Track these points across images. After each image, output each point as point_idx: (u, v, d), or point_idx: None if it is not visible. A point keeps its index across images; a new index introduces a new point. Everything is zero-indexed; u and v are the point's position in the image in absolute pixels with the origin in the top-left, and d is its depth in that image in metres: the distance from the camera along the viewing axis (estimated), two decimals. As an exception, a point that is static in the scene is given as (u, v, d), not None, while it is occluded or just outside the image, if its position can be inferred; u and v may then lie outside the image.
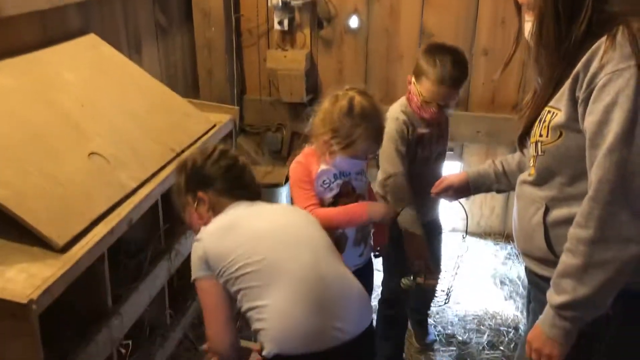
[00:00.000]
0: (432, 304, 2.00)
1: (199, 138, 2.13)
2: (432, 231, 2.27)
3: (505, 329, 2.70)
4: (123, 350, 1.69)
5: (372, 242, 2.03)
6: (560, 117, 1.25)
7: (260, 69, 3.41)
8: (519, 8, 1.37)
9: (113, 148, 1.79)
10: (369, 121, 1.81)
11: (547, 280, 1.30)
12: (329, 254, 1.55)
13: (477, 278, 3.05)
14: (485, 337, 2.65)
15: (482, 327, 2.72)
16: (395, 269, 2.43)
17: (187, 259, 2.12)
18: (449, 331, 2.69)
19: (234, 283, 1.45)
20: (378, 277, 2.31)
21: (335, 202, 1.85)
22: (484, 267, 3.17)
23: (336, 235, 1.88)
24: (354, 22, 3.19)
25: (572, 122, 1.23)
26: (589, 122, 1.16)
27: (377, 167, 2.24)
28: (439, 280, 2.00)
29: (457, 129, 3.16)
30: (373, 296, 2.21)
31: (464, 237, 1.98)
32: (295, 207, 1.75)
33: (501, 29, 3.05)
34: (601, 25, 1.18)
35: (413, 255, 1.99)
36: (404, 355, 2.45)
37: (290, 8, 3.15)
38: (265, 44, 3.36)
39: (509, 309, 2.86)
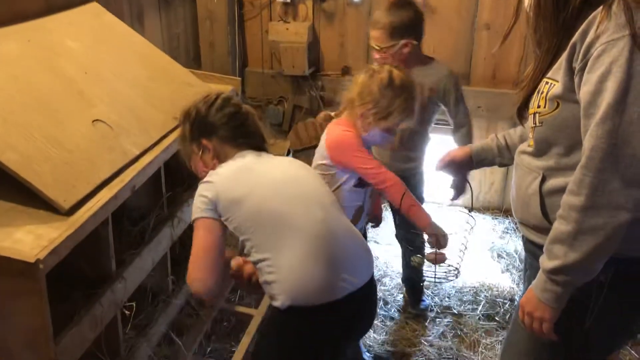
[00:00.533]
0: (441, 280, 2.04)
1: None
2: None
3: (502, 300, 2.75)
4: (127, 312, 1.73)
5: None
6: (557, 88, 1.27)
7: (263, 42, 3.41)
8: None
9: (116, 115, 1.81)
10: (407, 93, 1.92)
11: (542, 248, 1.33)
12: (335, 209, 1.61)
13: (475, 251, 3.10)
14: (481, 308, 2.70)
15: (478, 298, 2.77)
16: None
17: (190, 227, 2.16)
18: (446, 303, 2.74)
19: (244, 232, 1.47)
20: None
21: None
22: (482, 241, 3.21)
23: (359, 205, 2.01)
24: (356, -6, 3.19)
25: (569, 93, 1.25)
26: (584, 92, 1.18)
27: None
28: (448, 256, 2.03)
29: (458, 103, 3.18)
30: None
31: (470, 212, 2.00)
32: (297, 161, 1.79)
33: (503, 3, 3.05)
34: None
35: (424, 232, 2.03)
36: None
37: (293, -20, 3.15)
38: (268, 16, 3.36)
39: (506, 281, 2.90)
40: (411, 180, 2.31)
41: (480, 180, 3.49)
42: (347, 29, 3.28)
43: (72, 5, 2.08)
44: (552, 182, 1.34)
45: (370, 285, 1.62)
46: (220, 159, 1.62)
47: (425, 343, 2.49)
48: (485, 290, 2.83)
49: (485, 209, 3.53)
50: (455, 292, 2.81)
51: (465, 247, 1.94)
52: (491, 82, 3.19)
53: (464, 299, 2.77)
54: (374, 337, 2.52)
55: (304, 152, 3.18)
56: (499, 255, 3.11)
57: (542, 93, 1.31)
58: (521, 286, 2.82)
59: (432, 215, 2.00)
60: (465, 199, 2.10)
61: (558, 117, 1.29)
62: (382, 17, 2.32)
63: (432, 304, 2.74)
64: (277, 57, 3.36)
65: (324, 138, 2.02)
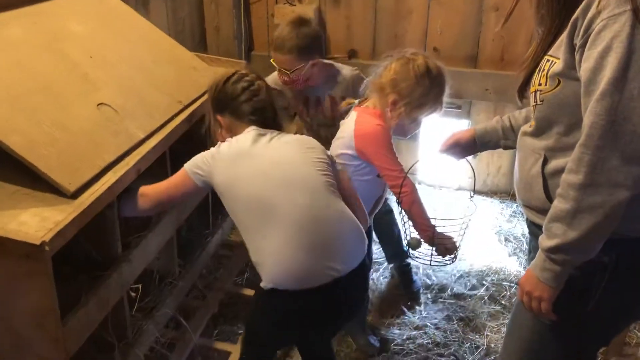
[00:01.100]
0: (437, 263, 2.04)
1: (207, 91, 2.14)
2: None
3: (508, 284, 2.75)
4: (133, 294, 1.75)
5: None
6: (558, 65, 1.26)
7: (269, 25, 3.39)
8: None
9: (121, 99, 1.81)
10: (443, 84, 1.92)
11: None
12: (326, 194, 1.59)
13: (481, 235, 3.09)
14: (486, 291, 2.70)
15: (484, 281, 2.77)
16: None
17: (197, 209, 2.17)
18: (451, 285, 2.75)
19: (233, 214, 1.58)
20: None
21: None
22: (489, 225, 3.21)
23: (379, 196, 2.05)
24: (362, -24, 3.15)
25: (570, 70, 1.24)
26: (584, 69, 1.17)
27: None
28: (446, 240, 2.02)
29: (465, 86, 3.15)
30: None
31: (471, 197, 1.99)
32: (302, 141, 1.72)
33: (512, -16, 3.01)
34: None
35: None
36: None
37: (298, -38, 3.12)
38: (274, -1, 3.33)
39: (512, 265, 2.90)
40: None
41: (487, 163, 3.47)
42: (353, 11, 3.25)
43: (76, -12, 2.07)
44: (555, 163, 1.34)
45: (359, 272, 1.61)
46: (233, 133, 1.69)
47: (431, 326, 2.50)
48: (491, 273, 2.83)
49: (492, 193, 3.52)
50: (461, 274, 2.81)
51: (464, 233, 1.94)
52: (499, 64, 3.16)
53: (470, 282, 2.77)
54: (381, 320, 2.53)
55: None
56: (506, 239, 3.11)
57: (543, 71, 1.30)
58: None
59: (437, 200, 1.99)
60: (471, 184, 2.10)
61: (559, 94, 1.28)
62: (286, 40, 2.29)
63: (435, 285, 2.74)
64: (283, 41, 3.33)
65: (350, 126, 1.98)
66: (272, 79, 2.42)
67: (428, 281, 2.77)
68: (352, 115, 2.02)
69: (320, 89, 2.46)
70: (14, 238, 1.29)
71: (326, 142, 1.88)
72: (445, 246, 1.91)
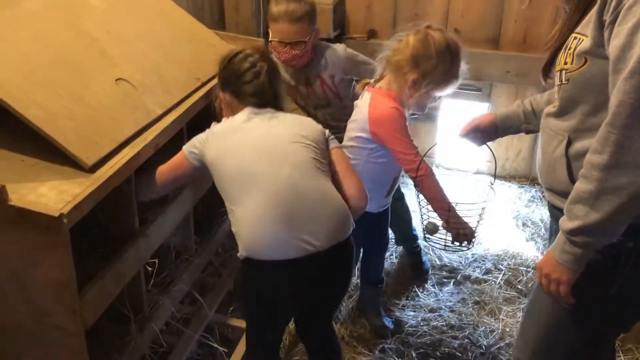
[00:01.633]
0: (454, 249, 2.02)
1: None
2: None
3: (524, 269, 2.73)
4: (150, 269, 1.76)
5: None
6: (586, 43, 1.22)
7: (288, 4, 3.35)
8: None
9: (139, 74, 1.81)
10: (461, 58, 1.88)
11: None
12: (310, 170, 1.58)
13: (499, 219, 3.07)
14: (503, 276, 2.68)
15: (500, 266, 2.75)
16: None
17: (212, 187, 2.18)
18: (467, 269, 2.73)
19: (220, 187, 1.63)
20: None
21: None
22: (507, 209, 3.18)
23: (395, 176, 2.05)
24: (384, -46, 3.10)
25: (598, 48, 1.20)
26: (613, 46, 1.14)
27: None
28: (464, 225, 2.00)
29: (486, 68, 3.11)
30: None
31: (491, 184, 1.96)
32: (295, 119, 1.74)
33: (537, -38, 2.94)
34: None
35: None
36: None
37: (319, -61, 3.07)
38: (293, -23, 3.29)
39: (530, 250, 2.88)
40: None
41: (507, 147, 3.43)
42: (373, -10, 3.21)
43: (95, -37, 2.06)
44: (579, 145, 1.31)
45: (341, 251, 1.60)
46: (232, 113, 1.71)
47: (446, 308, 2.49)
48: (508, 258, 2.81)
49: (511, 177, 3.48)
50: (478, 259, 2.80)
51: (482, 218, 1.91)
52: (521, 46, 3.10)
53: (486, 266, 2.75)
54: (395, 302, 2.53)
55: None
56: (523, 224, 3.08)
57: (569, 49, 1.27)
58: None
59: (455, 184, 1.97)
60: (490, 168, 2.07)
61: (585, 73, 1.24)
62: (297, 8, 2.19)
63: (450, 268, 2.72)
64: (302, 20, 3.30)
65: (364, 109, 1.95)
66: None
67: (440, 263, 2.76)
68: (366, 96, 1.97)
69: (311, 69, 2.38)
70: (33, 209, 1.30)
71: (324, 124, 1.84)
72: (462, 232, 1.88)
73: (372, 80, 2.05)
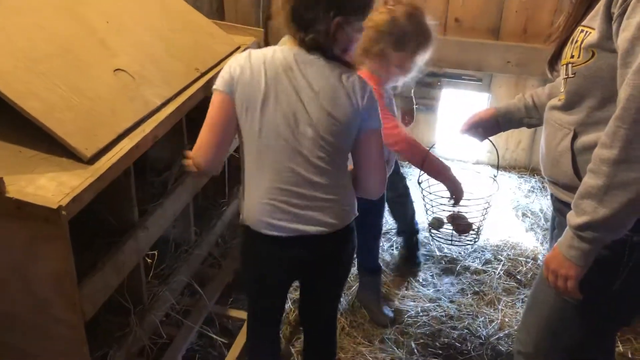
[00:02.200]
0: (459, 243, 2.02)
1: (224, 59, 2.12)
2: None
3: (524, 259, 2.73)
4: (149, 261, 1.76)
5: None
6: (593, 36, 1.21)
7: (287, -7, 3.33)
8: None
9: (138, 65, 1.80)
10: (426, 27, 1.90)
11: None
12: (316, 159, 1.48)
13: (499, 210, 3.07)
14: (502, 266, 2.68)
15: (500, 256, 2.75)
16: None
17: (212, 179, 2.17)
18: (467, 259, 2.73)
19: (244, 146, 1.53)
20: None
21: None
22: (506, 200, 3.18)
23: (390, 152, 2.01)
24: (384, -57, 3.07)
25: (606, 41, 1.19)
26: (622, 39, 1.12)
27: None
28: (467, 220, 2.00)
29: (486, 58, 3.10)
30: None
31: (494, 177, 1.95)
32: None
33: (539, -49, 2.92)
34: None
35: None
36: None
37: None
38: (293, -33, 3.27)
39: (529, 240, 2.88)
40: None
41: (507, 138, 3.42)
42: (374, -21, 3.18)
43: (93, -48, 2.04)
44: (585, 139, 1.29)
45: (333, 242, 1.57)
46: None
47: (445, 299, 2.50)
48: (507, 248, 2.81)
49: (511, 168, 3.48)
50: (478, 249, 2.80)
51: (486, 212, 1.91)
52: (522, 37, 3.09)
53: (486, 257, 2.75)
54: (395, 292, 2.54)
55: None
56: (523, 214, 3.08)
57: (576, 42, 1.25)
58: (545, 245, 2.80)
59: (455, 175, 1.97)
60: (490, 158, 2.07)
61: (592, 67, 1.23)
62: None
63: (450, 259, 2.73)
64: (302, 9, 3.29)
65: None
66: None
67: (440, 254, 2.77)
68: None
69: None
70: (31, 202, 1.30)
71: None
72: (460, 227, 1.89)
73: None
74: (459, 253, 2.77)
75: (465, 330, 2.34)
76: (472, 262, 2.72)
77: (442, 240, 2.03)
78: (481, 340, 2.30)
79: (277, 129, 1.45)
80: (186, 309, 2.09)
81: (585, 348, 1.46)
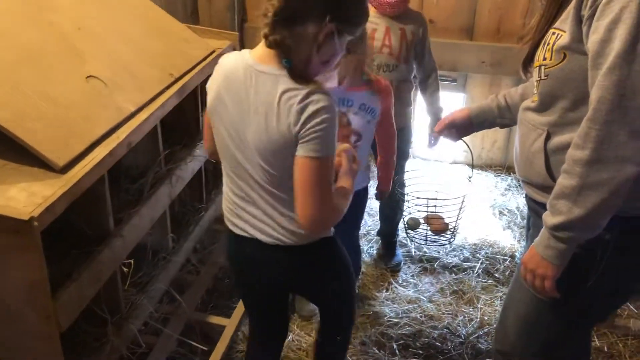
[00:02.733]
0: (434, 243, 2.03)
1: (198, 63, 2.11)
2: (404, 136, 2.34)
3: (502, 257, 2.76)
4: (126, 269, 1.74)
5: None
6: (564, 38, 1.22)
7: (262, -4, 3.32)
8: None
9: (110, 71, 1.78)
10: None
11: (546, 206, 1.31)
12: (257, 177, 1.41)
13: (476, 208, 3.09)
14: (480, 264, 2.71)
15: (478, 255, 2.77)
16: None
17: (189, 185, 2.16)
18: (445, 259, 2.75)
19: None
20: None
21: None
22: (483, 198, 3.20)
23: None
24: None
25: (577, 43, 1.20)
26: (592, 41, 1.14)
27: None
28: (443, 220, 2.02)
29: (461, 58, 3.12)
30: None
31: (469, 178, 1.96)
32: None
33: (510, -47, 2.95)
34: None
35: None
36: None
37: None
38: (267, -30, 3.26)
39: (507, 238, 2.91)
40: (400, 136, 2.25)
41: (482, 138, 3.45)
42: (348, -18, 3.19)
43: (62, -43, 2.01)
44: (558, 139, 1.31)
45: (277, 252, 1.47)
46: None
47: (425, 299, 2.51)
48: (485, 247, 2.83)
49: (487, 166, 3.51)
50: (456, 248, 2.82)
51: (461, 211, 1.93)
52: (495, 36, 3.12)
53: (464, 255, 2.77)
54: (375, 294, 2.54)
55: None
56: (500, 213, 3.11)
57: (548, 44, 1.27)
58: (522, 243, 2.83)
59: (432, 174, 1.98)
60: (467, 157, 2.09)
61: (564, 69, 1.25)
62: None
63: (429, 259, 2.74)
64: (277, 12, 3.28)
65: None
66: None
67: (419, 254, 2.78)
68: None
69: None
70: (2, 214, 1.27)
71: None
72: (436, 227, 1.89)
73: None
74: (438, 252, 2.78)
75: (446, 330, 2.35)
76: (451, 261, 2.73)
77: (418, 240, 2.04)
78: (461, 339, 2.31)
79: (224, 140, 1.40)
80: (165, 316, 2.07)
81: (562, 344, 1.48)
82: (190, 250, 2.26)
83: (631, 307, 2.43)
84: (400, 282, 2.62)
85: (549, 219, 1.25)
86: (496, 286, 2.59)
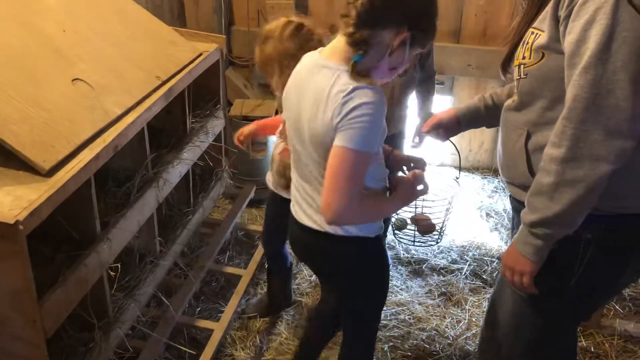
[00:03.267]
0: (421, 243, 2.03)
1: (185, 66, 2.10)
2: (397, 142, 2.32)
3: (489, 259, 2.77)
4: (112, 273, 1.72)
5: None
6: (542, 38, 1.24)
7: (249, -1, 3.33)
8: None
9: (97, 74, 1.76)
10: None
11: None
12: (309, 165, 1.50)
13: (463, 211, 3.11)
14: (468, 266, 2.72)
15: (465, 257, 2.79)
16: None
17: (175, 187, 2.14)
18: (433, 261, 2.76)
19: None
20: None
21: None
22: (471, 200, 3.22)
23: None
24: (344, -51, 3.09)
25: (554, 43, 1.22)
26: (568, 41, 1.16)
27: None
28: (430, 220, 2.01)
29: (448, 61, 3.14)
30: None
31: (457, 179, 1.97)
32: None
33: (496, -43, 2.98)
34: None
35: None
36: None
37: None
38: (254, -27, 3.26)
39: (494, 240, 2.92)
40: (396, 140, 2.25)
41: (470, 140, 3.47)
42: (335, -15, 3.20)
43: (48, -41, 2.00)
44: (537, 139, 1.33)
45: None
46: None
47: (413, 301, 2.51)
48: (473, 249, 2.85)
49: (474, 169, 3.53)
50: (443, 250, 2.83)
51: (449, 212, 1.93)
52: (482, 40, 3.14)
53: (452, 257, 2.79)
54: (363, 296, 2.54)
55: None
56: (487, 214, 3.13)
57: (527, 44, 1.29)
58: (509, 244, 2.85)
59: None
60: (455, 160, 2.09)
61: (543, 67, 1.26)
62: None
63: (417, 261, 2.75)
64: (264, 15, 3.28)
65: None
66: None
67: (407, 255, 2.79)
68: None
69: None
70: (-14, 217, 1.26)
71: None
72: (423, 228, 1.89)
73: None
74: (426, 254, 2.79)
75: (434, 332, 2.36)
76: (439, 263, 2.74)
77: (405, 241, 2.04)
78: (449, 341, 2.32)
79: (289, 132, 1.49)
80: (153, 321, 2.06)
81: (547, 344, 1.49)
82: (178, 253, 2.24)
83: (617, 307, 2.46)
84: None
85: (526, 215, 1.27)
86: (484, 288, 2.60)
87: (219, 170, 2.54)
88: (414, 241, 1.94)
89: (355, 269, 1.59)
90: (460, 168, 2.05)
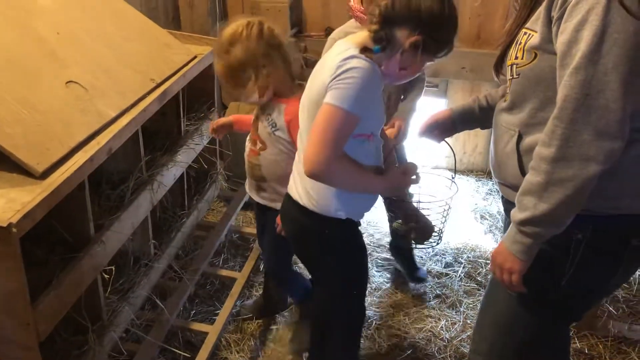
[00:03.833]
0: (421, 245, 2.03)
1: (180, 69, 2.10)
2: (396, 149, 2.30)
3: (484, 261, 2.78)
4: (107, 276, 1.72)
5: None
6: (535, 38, 1.25)
7: (243, 2, 3.33)
8: None
9: (91, 76, 1.76)
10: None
11: None
12: None
13: (458, 213, 3.11)
14: (462, 269, 2.73)
15: (460, 259, 2.79)
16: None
17: (170, 190, 2.14)
18: (428, 263, 2.77)
19: None
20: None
21: None
22: (465, 203, 3.23)
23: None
24: (339, -48, 3.10)
25: (547, 44, 1.23)
26: (560, 42, 1.17)
27: None
28: (429, 223, 2.02)
29: (442, 64, 3.14)
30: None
31: (452, 179, 1.98)
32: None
33: (489, -40, 2.99)
34: None
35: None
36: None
37: (273, -63, 3.05)
38: (248, -24, 3.27)
39: (488, 242, 2.93)
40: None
41: (464, 142, 3.48)
42: (329, -12, 3.21)
43: (42, -38, 1.99)
44: (529, 140, 1.33)
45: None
46: None
47: (409, 303, 2.52)
48: (467, 251, 2.85)
49: (469, 171, 3.54)
50: (438, 252, 2.83)
51: (447, 213, 1.94)
52: (475, 43, 3.16)
53: (446, 260, 2.79)
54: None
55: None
56: (482, 217, 3.13)
57: (520, 44, 1.30)
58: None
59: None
60: (449, 162, 2.10)
61: (535, 68, 1.27)
62: None
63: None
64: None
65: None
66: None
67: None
68: None
69: None
70: (-21, 220, 1.25)
71: None
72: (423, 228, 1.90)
73: None
74: (421, 258, 2.80)
75: (429, 333, 2.36)
76: (434, 266, 2.75)
77: (404, 243, 2.05)
78: (444, 343, 2.32)
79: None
80: (147, 323, 2.05)
81: (539, 345, 1.49)
82: (172, 256, 2.24)
83: (611, 308, 2.46)
84: (384, 287, 2.62)
85: (516, 214, 1.27)
86: (478, 290, 2.61)
87: (214, 173, 2.54)
88: (414, 244, 1.95)
89: (331, 248, 1.63)
90: (455, 168, 2.05)
